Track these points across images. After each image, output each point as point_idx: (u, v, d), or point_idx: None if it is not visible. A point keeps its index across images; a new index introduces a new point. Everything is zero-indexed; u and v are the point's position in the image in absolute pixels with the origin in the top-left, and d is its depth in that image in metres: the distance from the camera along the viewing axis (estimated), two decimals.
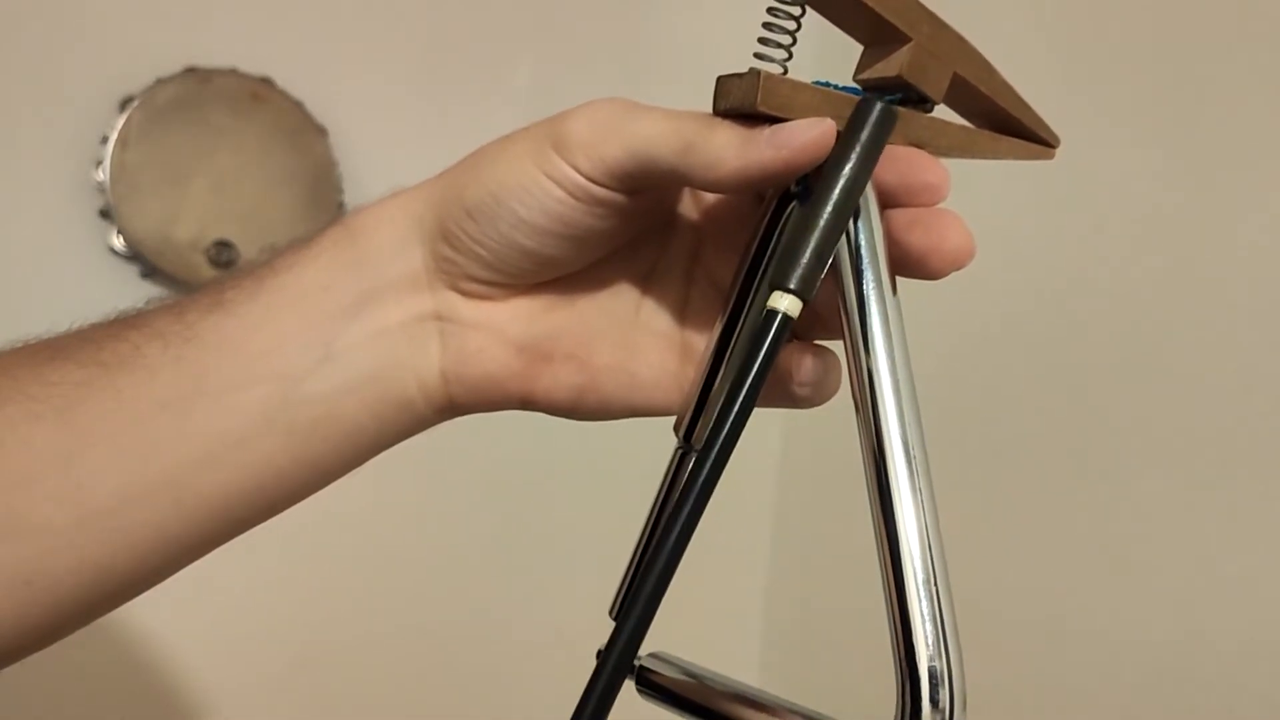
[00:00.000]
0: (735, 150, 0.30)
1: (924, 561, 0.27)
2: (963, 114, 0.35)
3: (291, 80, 0.81)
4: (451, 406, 0.36)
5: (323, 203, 0.83)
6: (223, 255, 0.79)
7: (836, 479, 0.98)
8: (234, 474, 0.34)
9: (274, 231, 0.82)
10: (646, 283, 0.37)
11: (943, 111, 0.34)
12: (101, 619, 0.36)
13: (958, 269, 0.31)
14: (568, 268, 0.35)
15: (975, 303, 0.81)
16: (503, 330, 0.35)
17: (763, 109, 0.30)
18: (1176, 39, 0.71)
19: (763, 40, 0.32)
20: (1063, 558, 0.77)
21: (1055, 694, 0.76)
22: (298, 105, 0.82)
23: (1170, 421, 0.70)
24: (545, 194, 0.33)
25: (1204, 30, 0.69)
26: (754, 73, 0.31)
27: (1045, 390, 0.79)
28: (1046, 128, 0.36)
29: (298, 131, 0.82)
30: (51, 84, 0.75)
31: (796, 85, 0.31)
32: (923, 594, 0.27)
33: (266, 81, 0.81)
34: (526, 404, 0.36)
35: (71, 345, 0.35)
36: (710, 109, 0.32)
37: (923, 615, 0.27)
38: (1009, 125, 0.35)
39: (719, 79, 0.32)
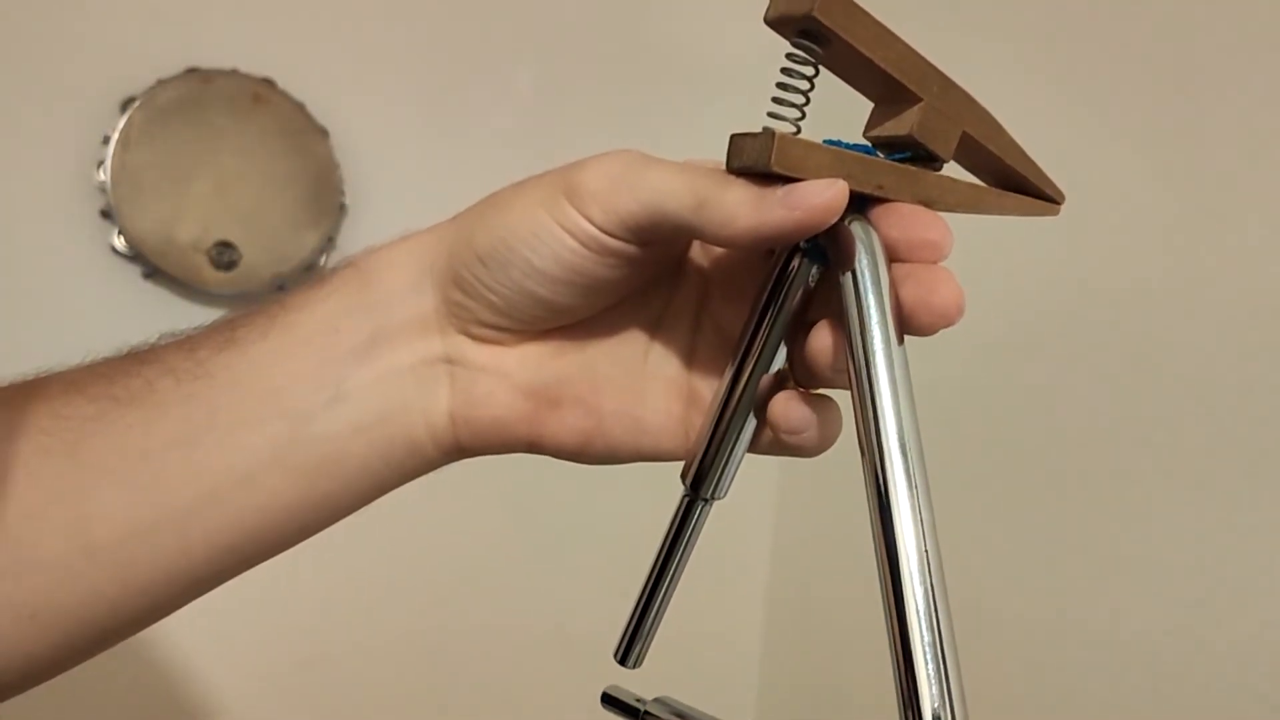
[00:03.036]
0: (749, 209, 0.30)
1: (929, 618, 0.28)
2: (971, 171, 0.36)
3: (293, 82, 0.81)
4: (459, 449, 0.37)
5: (324, 204, 0.83)
6: (224, 256, 0.79)
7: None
8: (241, 511, 0.34)
9: (275, 232, 0.81)
10: (654, 330, 0.37)
11: (951, 169, 0.34)
12: None
13: (946, 325, 0.31)
14: (577, 315, 0.36)
15: (977, 310, 0.81)
16: (511, 375, 0.36)
17: (776, 169, 0.30)
18: (1178, 54, 0.71)
19: (777, 100, 0.32)
20: (1064, 561, 0.77)
21: (1057, 696, 0.77)
22: (299, 107, 0.82)
23: (1170, 426, 0.71)
24: (558, 243, 0.33)
25: (1203, 43, 0.70)
26: (768, 133, 0.31)
27: (1046, 395, 0.80)
28: (1052, 184, 0.36)
29: (299, 133, 0.82)
30: (53, 84, 0.74)
31: (810, 145, 0.31)
32: (929, 653, 0.28)
33: (268, 83, 0.81)
34: (534, 447, 0.37)
35: (84, 379, 0.35)
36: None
37: (929, 673, 0.27)
38: (1016, 182, 0.35)
39: (732, 137, 0.32)
